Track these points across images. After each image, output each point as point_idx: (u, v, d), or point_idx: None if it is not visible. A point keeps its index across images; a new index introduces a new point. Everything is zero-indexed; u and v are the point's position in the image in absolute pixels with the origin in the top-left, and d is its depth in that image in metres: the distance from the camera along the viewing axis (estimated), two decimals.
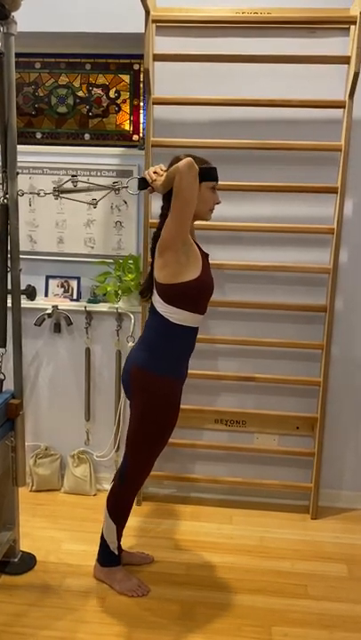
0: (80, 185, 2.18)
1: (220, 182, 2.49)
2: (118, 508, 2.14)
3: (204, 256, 2.00)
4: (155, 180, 1.94)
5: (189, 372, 2.66)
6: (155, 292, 1.98)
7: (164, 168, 1.94)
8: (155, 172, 1.95)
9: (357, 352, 2.72)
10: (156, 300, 1.97)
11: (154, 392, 1.99)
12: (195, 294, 1.94)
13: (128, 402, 2.11)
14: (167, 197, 1.90)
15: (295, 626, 2.02)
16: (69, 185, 2.22)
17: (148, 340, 2.01)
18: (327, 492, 2.81)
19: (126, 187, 2.16)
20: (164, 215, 1.94)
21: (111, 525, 2.15)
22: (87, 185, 2.17)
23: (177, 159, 1.89)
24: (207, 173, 1.94)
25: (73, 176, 2.17)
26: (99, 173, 2.71)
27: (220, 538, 2.54)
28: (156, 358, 1.98)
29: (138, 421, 2.03)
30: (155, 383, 1.99)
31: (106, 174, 2.70)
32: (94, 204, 2.22)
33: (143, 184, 2.00)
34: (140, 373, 1.99)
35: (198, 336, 2.66)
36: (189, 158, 1.79)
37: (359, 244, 2.63)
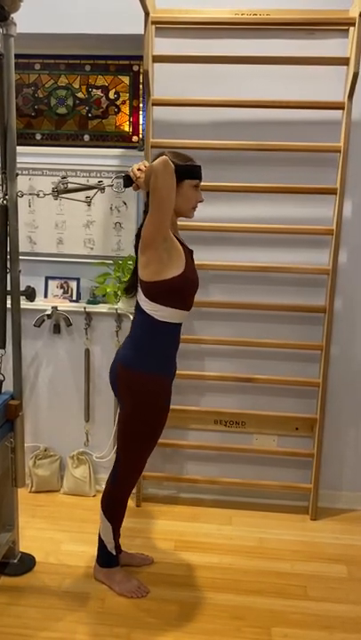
0: (71, 186, 2.17)
1: (221, 183, 2.52)
2: (113, 508, 2.14)
3: (188, 252, 2.00)
4: (139, 177, 1.93)
5: (189, 372, 2.69)
6: (139, 289, 1.98)
7: (148, 165, 1.93)
8: (138, 169, 1.95)
9: (357, 353, 2.73)
10: (141, 298, 1.97)
11: (141, 390, 1.99)
12: (179, 291, 1.94)
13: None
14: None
15: (295, 627, 2.02)
16: (61, 186, 2.22)
17: (134, 339, 2.01)
18: (327, 493, 2.81)
19: (112, 185, 2.15)
20: (146, 212, 1.93)
21: (107, 525, 2.15)
22: (77, 185, 2.16)
23: (160, 156, 1.88)
24: (190, 171, 1.93)
25: (63, 177, 2.17)
26: (98, 174, 2.71)
27: (220, 539, 2.54)
28: (142, 356, 1.98)
29: (127, 420, 2.03)
30: (142, 381, 1.99)
31: (105, 175, 2.71)
32: (88, 202, 2.21)
33: (128, 182, 2.00)
34: (127, 372, 1.99)
35: (199, 336, 2.69)
36: (164, 156, 1.79)
37: (358, 245, 2.63)
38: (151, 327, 1.96)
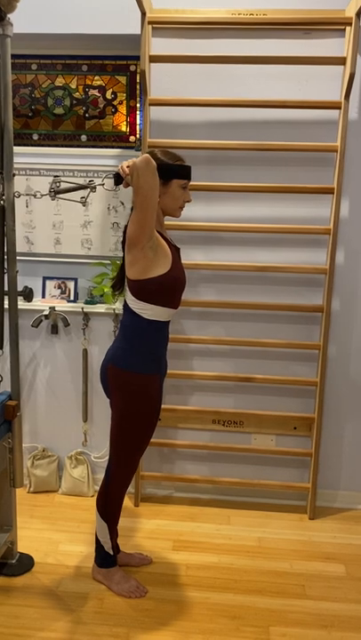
0: (63, 185, 2.16)
1: (218, 183, 2.53)
2: (107, 507, 2.14)
3: (175, 250, 2.00)
4: (128, 174, 1.93)
5: (187, 372, 2.69)
6: (127, 288, 1.98)
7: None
8: (128, 167, 1.94)
9: (354, 352, 2.73)
10: (129, 297, 1.97)
11: (132, 389, 1.99)
12: (165, 289, 1.93)
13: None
14: None
15: (293, 626, 2.03)
16: (53, 186, 2.21)
17: (123, 338, 2.01)
18: (325, 493, 2.81)
19: (102, 184, 2.15)
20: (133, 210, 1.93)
21: (102, 525, 2.15)
22: (70, 184, 2.16)
23: (151, 154, 1.88)
24: (179, 171, 1.92)
25: (55, 176, 2.17)
26: (95, 174, 2.71)
27: (218, 538, 2.54)
28: (132, 355, 1.98)
29: (119, 419, 2.03)
30: (132, 380, 1.99)
31: (102, 175, 2.70)
32: (83, 202, 2.21)
33: (118, 179, 1.99)
34: (117, 371, 1.99)
35: (197, 336, 2.69)
36: (146, 155, 1.78)
37: (356, 245, 2.64)
38: (139, 326, 1.96)
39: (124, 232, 1.97)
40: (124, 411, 2.01)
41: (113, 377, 2.01)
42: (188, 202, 2.00)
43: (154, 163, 1.76)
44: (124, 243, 1.97)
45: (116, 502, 2.15)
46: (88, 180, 2.70)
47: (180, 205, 1.99)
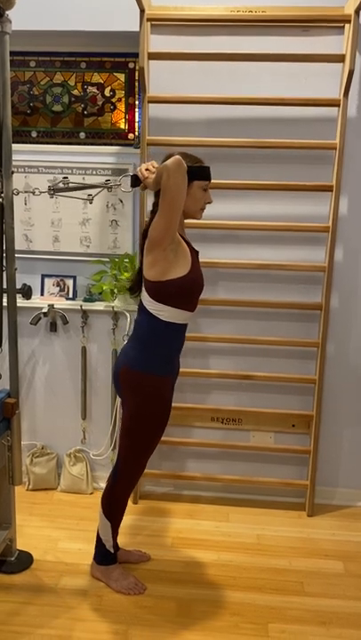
0: (73, 184, 2.17)
1: (216, 180, 2.51)
2: (112, 507, 2.15)
3: (194, 253, 2.00)
4: (147, 178, 1.93)
5: (185, 370, 2.69)
6: (143, 289, 1.97)
7: (157, 165, 1.93)
8: (147, 170, 1.95)
9: (353, 349, 2.73)
10: (145, 298, 1.97)
11: (145, 391, 1.99)
12: (183, 291, 1.94)
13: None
14: (159, 194, 1.89)
15: (292, 623, 2.03)
16: (61, 185, 2.22)
17: (138, 339, 2.01)
18: (323, 490, 2.82)
19: (119, 184, 2.16)
20: (154, 212, 1.93)
21: (106, 523, 2.15)
22: (80, 184, 2.16)
23: (170, 157, 1.89)
24: (200, 172, 1.93)
25: (64, 177, 2.17)
26: (94, 172, 2.71)
27: (217, 535, 2.54)
28: (147, 357, 1.98)
29: (130, 420, 2.03)
30: (145, 382, 1.99)
31: (101, 173, 2.70)
32: (90, 199, 2.21)
33: (135, 181, 2.00)
34: (131, 372, 1.99)
35: (195, 334, 2.69)
36: (178, 156, 1.79)
37: (354, 242, 2.64)
38: (155, 327, 1.96)
39: (143, 235, 1.97)
40: (136, 412, 2.02)
41: (126, 378, 2.01)
42: (208, 203, 2.01)
43: (185, 165, 1.77)
44: (142, 245, 1.97)
45: (121, 502, 2.15)
46: (88, 177, 2.69)
47: (202, 207, 2.00)
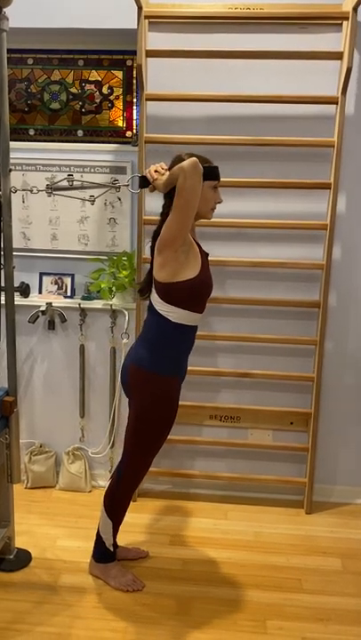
0: (77, 183, 2.16)
1: None
2: (115, 505, 2.15)
3: (204, 255, 2.00)
4: (156, 179, 1.93)
5: None
6: (153, 290, 1.97)
7: (165, 167, 1.93)
8: (156, 171, 1.94)
9: (351, 347, 2.74)
10: (155, 299, 1.96)
11: (153, 391, 1.99)
12: (193, 293, 1.94)
13: (124, 399, 2.11)
14: (169, 196, 1.89)
15: (290, 619, 2.04)
16: (65, 183, 2.21)
17: (147, 339, 2.01)
18: (321, 487, 2.82)
19: (127, 185, 2.15)
20: (165, 214, 1.92)
21: (107, 522, 2.16)
22: (87, 183, 2.15)
23: (179, 158, 1.89)
24: (210, 172, 1.93)
25: (69, 175, 2.16)
26: (92, 170, 2.71)
27: (216, 533, 2.55)
28: (155, 357, 1.98)
29: (137, 420, 2.03)
30: (153, 382, 1.99)
31: (99, 171, 2.70)
32: (92, 200, 2.20)
33: (144, 182, 1.99)
34: (139, 373, 1.99)
35: None
36: (194, 158, 1.79)
37: (352, 240, 2.64)
38: (164, 329, 1.96)
39: (154, 236, 1.96)
40: (143, 412, 2.02)
41: (134, 377, 2.01)
42: (219, 202, 2.01)
43: (201, 167, 1.77)
44: (153, 247, 1.96)
45: (124, 501, 2.16)
46: (86, 175, 2.69)
47: (212, 207, 2.00)
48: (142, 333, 2.06)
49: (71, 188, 2.14)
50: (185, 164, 1.77)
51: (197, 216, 1.97)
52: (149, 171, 1.96)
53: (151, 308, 1.99)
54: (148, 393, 2.00)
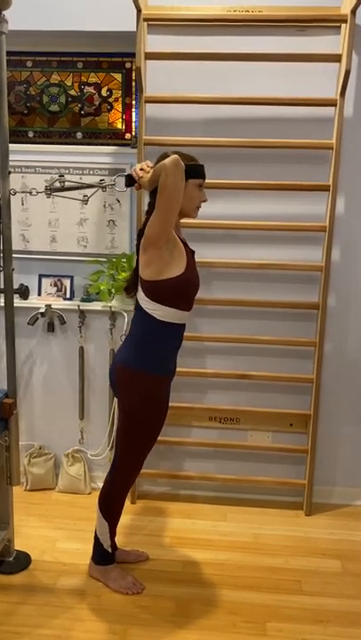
0: (68, 184, 2.17)
1: (213, 180, 2.51)
2: (110, 506, 2.15)
3: (190, 253, 2.00)
4: (141, 177, 1.94)
5: (183, 369, 2.69)
6: (140, 289, 1.98)
7: (151, 165, 1.94)
8: (141, 169, 1.95)
9: (350, 349, 2.74)
10: (141, 298, 1.97)
11: (141, 390, 1.99)
12: (179, 291, 1.94)
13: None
14: (154, 194, 1.90)
15: (290, 621, 2.04)
16: (57, 184, 2.22)
17: (134, 338, 2.01)
18: (321, 489, 2.82)
19: (113, 184, 2.15)
20: (149, 212, 1.93)
21: (103, 523, 2.16)
22: (75, 184, 2.16)
23: (164, 156, 1.89)
24: (194, 171, 1.93)
25: (60, 176, 2.17)
26: (91, 172, 2.71)
27: (215, 535, 2.55)
28: (143, 356, 1.98)
29: (126, 420, 2.03)
30: (141, 381, 1.99)
31: (98, 173, 2.70)
32: (85, 200, 2.21)
33: (130, 181, 2.00)
34: (127, 372, 1.99)
35: (193, 334, 2.69)
36: (176, 155, 1.79)
37: (351, 242, 2.64)
38: (151, 327, 1.96)
39: (139, 234, 1.97)
40: (133, 412, 2.02)
41: (122, 376, 2.01)
42: (204, 201, 2.01)
43: (182, 164, 1.78)
44: (138, 245, 1.97)
45: (119, 502, 2.15)
46: (85, 177, 2.69)
47: (197, 205, 2.00)
48: (129, 332, 2.06)
49: (63, 189, 2.15)
50: (167, 161, 1.77)
51: (182, 214, 1.97)
52: (135, 169, 1.97)
53: (138, 306, 2.00)
54: (135, 391, 1.99)
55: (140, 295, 1.97)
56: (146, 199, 2.50)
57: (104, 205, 2.74)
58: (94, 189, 2.18)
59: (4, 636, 1.92)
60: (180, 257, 1.92)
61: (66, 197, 2.29)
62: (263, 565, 2.34)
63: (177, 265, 1.91)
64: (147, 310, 1.95)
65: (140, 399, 2.00)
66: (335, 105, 2.44)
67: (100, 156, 2.72)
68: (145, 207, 2.53)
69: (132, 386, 1.99)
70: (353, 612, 2.10)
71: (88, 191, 2.43)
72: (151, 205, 1.93)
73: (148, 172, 1.91)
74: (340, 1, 2.39)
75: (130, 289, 2.07)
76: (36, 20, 2.51)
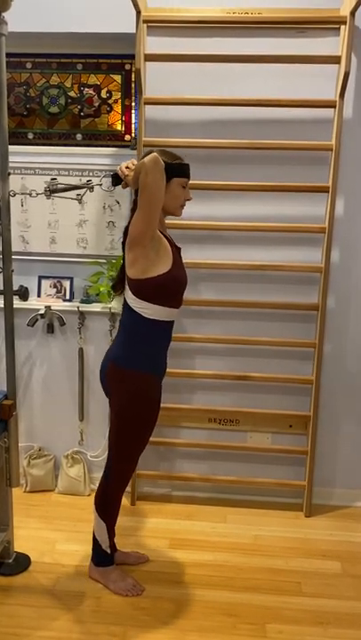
0: (60, 186, 2.18)
1: (213, 182, 2.53)
2: (106, 507, 2.15)
3: (176, 250, 2.00)
4: (127, 175, 1.94)
5: (183, 370, 2.69)
6: (127, 287, 1.98)
7: (136, 163, 1.94)
8: (127, 167, 1.95)
9: (350, 350, 2.74)
10: (129, 296, 1.97)
11: (131, 389, 1.99)
12: (166, 289, 1.94)
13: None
14: (138, 192, 1.90)
15: (290, 623, 2.03)
16: (50, 186, 2.23)
17: (123, 337, 2.01)
18: (320, 490, 2.82)
19: (100, 184, 2.15)
20: (134, 210, 1.93)
21: (101, 524, 2.15)
22: (65, 186, 2.17)
23: (148, 154, 1.88)
24: (178, 169, 1.93)
25: (52, 178, 2.18)
26: (91, 173, 2.71)
27: (215, 536, 2.54)
28: (132, 354, 1.98)
29: (117, 419, 2.03)
30: (130, 380, 1.99)
31: (98, 174, 2.70)
32: (78, 199, 2.21)
33: (116, 180, 2.00)
34: (116, 370, 1.99)
35: (191, 335, 2.69)
36: (154, 153, 1.80)
37: (351, 243, 2.64)
38: (140, 325, 1.96)
39: (125, 232, 1.97)
40: (123, 411, 2.01)
41: (112, 376, 2.01)
42: (188, 200, 2.01)
43: (162, 162, 1.78)
44: (124, 243, 1.97)
45: (115, 502, 2.15)
46: (85, 179, 2.69)
47: (181, 204, 2.00)
48: (119, 331, 2.06)
49: (57, 190, 2.16)
50: (146, 159, 1.78)
51: (166, 212, 1.98)
52: (120, 167, 1.97)
53: (126, 304, 2.00)
54: (125, 390, 1.99)
55: (128, 293, 1.97)
56: None
57: (103, 207, 2.74)
58: (84, 189, 2.18)
59: (4, 638, 1.92)
60: (165, 255, 1.92)
61: (64, 197, 2.29)
62: (263, 567, 2.34)
63: (163, 263, 1.91)
64: (134, 308, 1.95)
65: (130, 398, 2.00)
66: (334, 106, 2.44)
67: (99, 157, 2.72)
68: None
69: (122, 385, 1.99)
70: (353, 613, 2.10)
71: (82, 191, 2.43)
72: (135, 204, 1.93)
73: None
74: (340, 2, 2.40)
75: (117, 287, 2.08)
76: (36, 22, 2.52)
